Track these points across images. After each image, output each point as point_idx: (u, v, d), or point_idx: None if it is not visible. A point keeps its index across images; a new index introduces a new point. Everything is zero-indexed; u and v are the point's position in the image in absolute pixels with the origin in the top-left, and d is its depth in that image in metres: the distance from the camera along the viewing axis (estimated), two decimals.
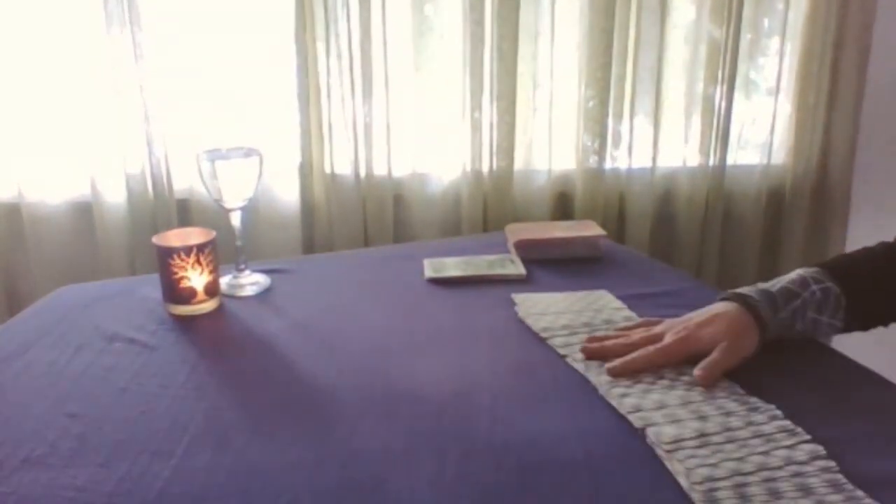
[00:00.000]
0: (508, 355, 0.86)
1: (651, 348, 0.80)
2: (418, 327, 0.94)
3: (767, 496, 0.58)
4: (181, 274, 0.95)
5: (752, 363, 0.78)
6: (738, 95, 1.78)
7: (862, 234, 1.85)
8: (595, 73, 1.73)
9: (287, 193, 1.74)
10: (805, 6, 1.76)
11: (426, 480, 0.63)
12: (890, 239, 0.87)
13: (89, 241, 1.71)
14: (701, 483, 0.60)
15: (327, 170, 1.73)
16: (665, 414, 0.70)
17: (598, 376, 0.78)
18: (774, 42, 1.79)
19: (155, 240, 0.97)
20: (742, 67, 1.77)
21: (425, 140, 1.77)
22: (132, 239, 1.71)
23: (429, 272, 1.11)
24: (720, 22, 1.72)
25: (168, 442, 0.68)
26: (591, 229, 1.22)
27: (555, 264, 1.15)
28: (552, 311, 0.96)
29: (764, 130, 1.83)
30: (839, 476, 0.61)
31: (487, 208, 1.79)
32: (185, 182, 1.72)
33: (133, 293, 1.04)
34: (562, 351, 0.85)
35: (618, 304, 0.98)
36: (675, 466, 0.63)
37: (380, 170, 1.74)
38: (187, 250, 0.95)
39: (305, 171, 1.74)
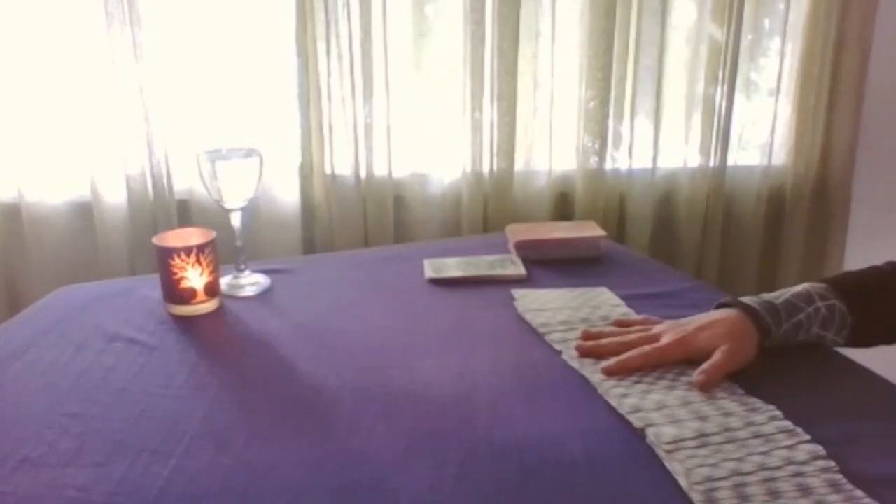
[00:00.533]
0: (509, 356, 0.86)
1: (647, 348, 0.80)
2: (418, 328, 0.93)
3: (767, 496, 0.58)
4: (181, 274, 0.95)
5: (752, 364, 0.78)
6: (738, 96, 1.78)
7: (862, 234, 1.85)
8: (596, 74, 1.73)
9: (287, 194, 1.74)
10: (805, 7, 1.76)
11: (426, 480, 0.63)
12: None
13: (89, 242, 1.71)
14: (701, 483, 0.60)
15: (327, 170, 1.73)
16: (665, 414, 0.70)
17: (592, 374, 0.78)
18: (775, 43, 1.79)
19: (155, 240, 0.97)
20: (743, 68, 1.77)
21: (426, 140, 1.77)
22: (132, 239, 1.71)
23: (429, 273, 1.11)
24: (721, 22, 1.72)
25: (167, 442, 0.68)
26: (592, 230, 1.22)
27: (555, 265, 1.15)
28: (551, 306, 0.96)
29: (764, 131, 1.83)
30: (839, 476, 0.61)
31: (488, 209, 1.79)
32: (185, 182, 1.72)
33: (133, 293, 1.04)
34: (558, 346, 0.85)
35: (616, 300, 0.98)
36: (675, 466, 0.63)
37: (380, 170, 1.74)
38: (187, 251, 0.95)
39: (306, 171, 1.73)
